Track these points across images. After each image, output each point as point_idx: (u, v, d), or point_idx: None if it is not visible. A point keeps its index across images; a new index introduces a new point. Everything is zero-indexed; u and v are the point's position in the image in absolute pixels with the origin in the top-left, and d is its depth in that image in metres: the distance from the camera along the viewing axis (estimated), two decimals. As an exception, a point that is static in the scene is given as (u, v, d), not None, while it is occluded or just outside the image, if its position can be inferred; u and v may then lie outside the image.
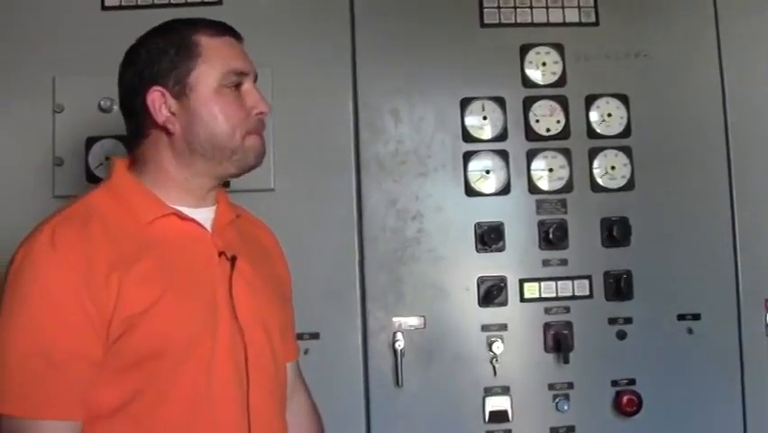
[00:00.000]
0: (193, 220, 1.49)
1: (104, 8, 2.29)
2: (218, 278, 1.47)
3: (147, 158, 1.51)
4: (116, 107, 2.08)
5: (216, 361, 1.42)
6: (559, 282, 2.28)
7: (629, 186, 2.32)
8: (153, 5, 2.29)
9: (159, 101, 1.46)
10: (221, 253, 1.48)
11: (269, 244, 1.72)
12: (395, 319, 2.22)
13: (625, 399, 2.23)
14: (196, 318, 1.42)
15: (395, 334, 2.21)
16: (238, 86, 1.50)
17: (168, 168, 1.49)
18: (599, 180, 2.31)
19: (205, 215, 1.52)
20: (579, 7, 2.38)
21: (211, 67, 1.47)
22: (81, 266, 1.33)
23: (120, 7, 2.29)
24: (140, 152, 1.52)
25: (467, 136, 2.30)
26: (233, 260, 1.49)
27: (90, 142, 2.22)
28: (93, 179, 2.19)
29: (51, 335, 1.31)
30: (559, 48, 2.35)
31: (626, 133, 2.33)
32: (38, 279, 1.33)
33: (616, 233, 2.27)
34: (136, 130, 1.52)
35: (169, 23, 1.53)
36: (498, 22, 2.35)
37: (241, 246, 1.54)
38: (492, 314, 2.26)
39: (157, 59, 1.47)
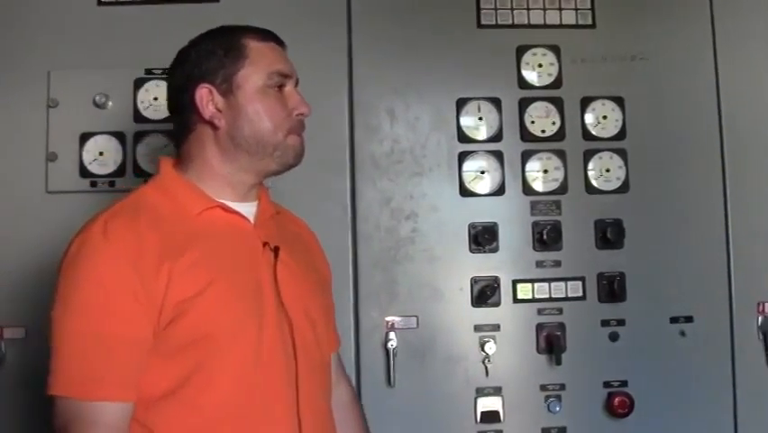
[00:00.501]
0: (237, 212, 1.58)
1: (100, 3, 2.31)
2: (263, 267, 1.56)
3: (192, 154, 1.61)
4: (111, 103, 2.20)
5: (264, 345, 1.50)
6: (552, 284, 2.30)
7: (624, 188, 2.35)
8: (149, 1, 2.31)
9: (206, 97, 1.56)
10: (264, 244, 1.57)
11: (309, 240, 1.82)
12: (388, 319, 2.24)
13: (617, 400, 2.25)
14: (242, 304, 1.50)
15: (387, 333, 2.23)
16: (281, 87, 1.61)
17: (212, 162, 1.59)
18: (594, 182, 2.34)
19: (247, 209, 1.61)
20: (576, 9, 2.41)
21: (257, 68, 1.58)
22: (132, 255, 1.42)
23: (116, 3, 2.31)
24: (185, 149, 1.62)
25: (462, 136, 2.33)
26: (276, 250, 1.58)
27: (84, 137, 2.24)
28: (86, 175, 2.23)
29: (104, 320, 1.40)
30: (555, 49, 2.38)
31: (621, 135, 2.36)
32: (91, 268, 1.42)
33: (609, 235, 2.30)
34: (182, 126, 1.62)
35: (218, 27, 1.64)
36: (494, 23, 2.38)
37: (282, 240, 1.63)
38: (485, 314, 2.28)
39: (206, 59, 1.58)
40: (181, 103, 1.60)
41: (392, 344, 2.23)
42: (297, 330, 1.56)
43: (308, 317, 1.61)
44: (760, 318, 2.35)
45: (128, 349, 1.41)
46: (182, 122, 1.62)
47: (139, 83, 2.26)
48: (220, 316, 1.47)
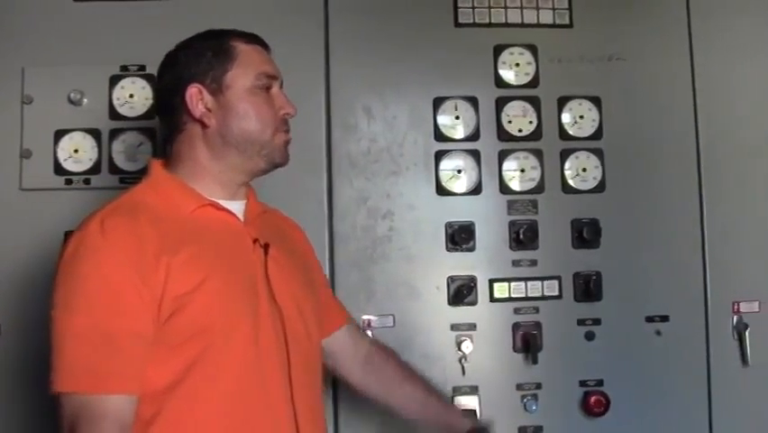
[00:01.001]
0: (228, 210, 1.66)
1: (75, 0, 2.31)
2: (255, 263, 1.63)
3: (183, 153, 1.67)
4: (86, 100, 2.20)
5: (260, 337, 1.56)
6: (528, 283, 2.33)
7: (600, 188, 2.38)
8: None
9: (196, 97, 1.64)
10: (255, 241, 1.64)
11: (297, 237, 1.91)
12: (364, 317, 2.26)
13: (593, 399, 2.29)
14: (239, 297, 1.57)
15: (364, 332, 2.25)
16: (267, 88, 1.69)
17: (202, 161, 1.66)
18: (571, 182, 2.38)
19: (236, 207, 1.69)
20: (553, 9, 2.44)
21: (245, 69, 1.66)
22: (132, 250, 1.47)
23: None
24: (175, 149, 1.69)
25: (439, 135, 2.35)
26: (266, 247, 1.65)
27: (59, 134, 2.24)
28: (61, 172, 2.23)
29: (107, 314, 1.45)
30: (532, 49, 2.41)
31: (597, 135, 2.39)
32: (92, 264, 1.47)
33: (586, 234, 2.33)
34: (172, 126, 1.69)
35: (206, 31, 1.71)
36: (472, 21, 2.41)
37: (271, 236, 1.70)
38: (462, 313, 2.31)
39: (195, 60, 1.65)
40: (171, 104, 1.67)
41: (371, 342, 2.25)
42: (289, 323, 1.63)
43: (299, 311, 1.67)
44: (735, 318, 2.39)
45: (133, 343, 1.46)
46: (172, 122, 1.68)
47: (114, 80, 2.27)
48: (218, 309, 1.53)
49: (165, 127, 1.72)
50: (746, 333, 2.37)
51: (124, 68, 2.27)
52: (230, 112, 1.64)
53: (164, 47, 1.73)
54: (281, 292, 1.64)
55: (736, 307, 2.39)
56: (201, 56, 1.65)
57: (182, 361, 1.50)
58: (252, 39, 1.71)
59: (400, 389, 1.96)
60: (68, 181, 2.24)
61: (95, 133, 2.25)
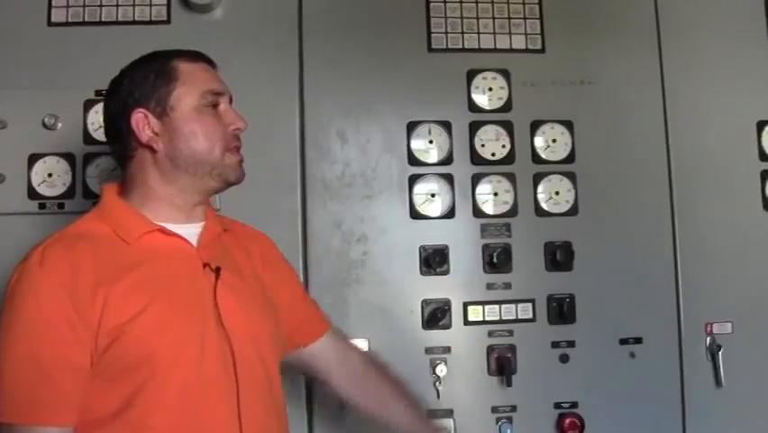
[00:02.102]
0: (177, 235, 1.66)
1: (50, 24, 2.37)
2: (204, 288, 1.63)
3: (134, 179, 1.70)
4: (60, 124, 2.25)
5: (206, 366, 1.57)
6: (503, 306, 2.40)
7: (573, 211, 2.46)
8: (100, 23, 2.38)
9: (142, 122, 1.66)
10: (205, 265, 1.65)
11: (265, 252, 1.91)
12: (338, 341, 2.33)
13: (567, 421, 2.35)
14: (183, 326, 1.57)
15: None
16: (215, 106, 1.70)
17: (153, 185, 1.68)
18: (544, 205, 2.45)
19: (193, 230, 1.70)
20: (525, 34, 2.53)
21: (189, 88, 1.67)
22: (67, 283, 1.50)
23: (66, 24, 2.38)
24: (128, 174, 1.71)
25: (413, 159, 2.42)
26: (217, 271, 1.65)
27: (33, 158, 2.29)
28: (35, 197, 2.27)
29: (42, 345, 1.48)
30: (505, 73, 2.49)
31: (570, 158, 2.48)
32: (29, 295, 1.51)
33: (559, 257, 2.41)
34: (122, 153, 1.71)
35: (148, 54, 1.73)
36: (445, 47, 2.49)
37: (228, 259, 1.71)
38: (436, 337, 2.37)
39: (138, 84, 1.67)
40: (119, 130, 1.69)
41: (343, 366, 2.31)
42: (238, 351, 1.62)
43: (251, 338, 1.66)
44: (708, 339, 2.47)
45: (65, 374, 1.48)
46: (122, 149, 1.71)
47: (89, 105, 2.32)
48: (158, 338, 1.53)
49: (115, 154, 1.75)
50: (719, 354, 2.44)
51: (99, 92, 2.31)
52: (176, 133, 1.66)
53: None
54: (231, 319, 1.63)
55: (708, 328, 2.47)
56: (144, 79, 1.67)
57: (123, 391, 1.51)
58: (196, 57, 1.73)
59: (392, 406, 2.00)
60: (42, 206, 2.29)
61: (69, 158, 2.30)
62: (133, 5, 2.41)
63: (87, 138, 2.33)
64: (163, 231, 1.65)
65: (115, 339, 1.50)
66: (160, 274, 1.60)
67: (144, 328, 1.52)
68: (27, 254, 1.57)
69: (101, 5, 2.40)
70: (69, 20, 2.39)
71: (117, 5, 2.40)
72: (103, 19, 2.40)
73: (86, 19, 2.39)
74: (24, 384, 1.47)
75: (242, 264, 1.78)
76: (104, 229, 1.63)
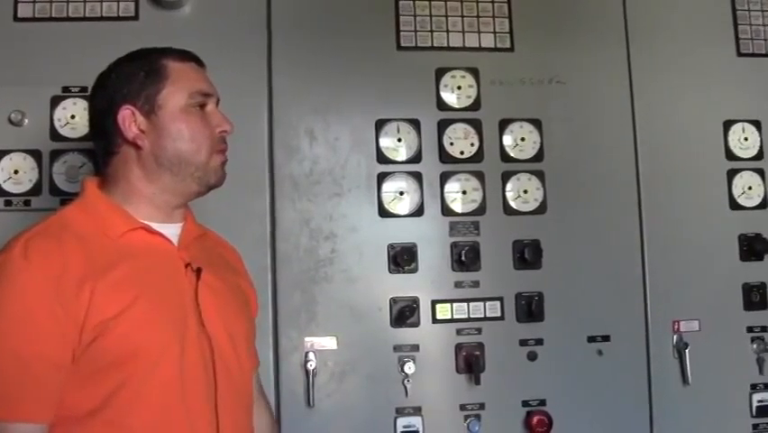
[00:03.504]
0: (160, 234, 1.69)
1: (16, 19, 2.41)
2: (185, 288, 1.66)
3: (117, 175, 1.71)
4: (27, 120, 2.28)
5: (187, 364, 1.59)
6: (471, 304, 2.46)
7: (541, 209, 2.53)
8: (67, 18, 2.42)
9: (129, 119, 1.68)
10: (187, 265, 1.68)
11: (233, 261, 1.94)
12: (307, 339, 2.37)
13: (535, 419, 2.41)
14: (165, 324, 1.60)
15: (307, 354, 2.36)
16: (202, 106, 1.73)
17: (136, 183, 1.70)
18: (512, 203, 2.52)
19: (172, 230, 1.73)
20: (494, 33, 2.60)
21: (178, 88, 1.70)
22: (53, 276, 1.50)
23: (33, 19, 2.41)
24: (110, 171, 1.73)
25: (382, 157, 2.48)
26: (198, 271, 1.69)
27: (-1, 155, 2.30)
28: (1, 193, 2.31)
29: (23, 340, 1.48)
30: (474, 72, 2.56)
31: (538, 157, 2.55)
32: (11, 288, 1.50)
33: (527, 255, 2.47)
34: (106, 148, 1.72)
35: (138, 50, 1.75)
36: (414, 45, 2.55)
37: (206, 261, 1.74)
38: (404, 334, 2.43)
39: (127, 81, 1.69)
40: (104, 126, 1.70)
41: (311, 364, 2.35)
42: (217, 350, 1.66)
43: (230, 338, 1.71)
44: (675, 337, 2.55)
45: (46, 370, 1.49)
46: (106, 145, 1.72)
47: (56, 101, 2.35)
48: (142, 335, 1.55)
49: (99, 149, 1.76)
50: (686, 352, 2.53)
51: (66, 89, 2.36)
52: (163, 133, 1.68)
53: (104, 64, 1.78)
54: (211, 319, 1.66)
55: (676, 326, 2.56)
56: (133, 76, 1.68)
57: (103, 387, 1.52)
58: (186, 56, 1.75)
59: None
60: (8, 203, 2.32)
61: (35, 154, 2.34)
62: (101, 1, 2.45)
63: (54, 134, 2.36)
64: (147, 229, 1.67)
65: (99, 335, 1.51)
66: (144, 272, 1.62)
67: (129, 326, 1.53)
68: (6, 246, 1.56)
69: (68, 1, 2.44)
70: (36, 15, 2.42)
71: (85, 1, 2.44)
72: (70, 14, 2.43)
73: (53, 14, 2.42)
74: (4, 379, 1.47)
75: (220, 267, 1.81)
76: (87, 223, 1.63)
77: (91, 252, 1.58)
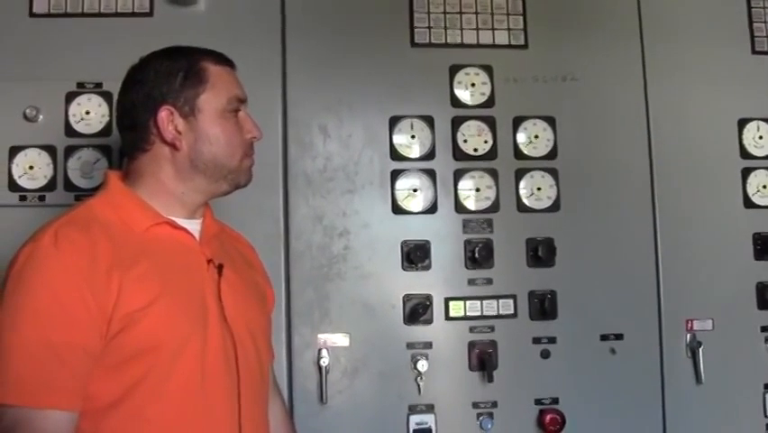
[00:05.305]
0: (184, 229, 1.71)
1: (32, 15, 2.40)
2: (207, 283, 1.68)
3: (144, 171, 1.72)
4: (42, 116, 2.28)
5: (208, 357, 1.61)
6: (484, 301, 2.45)
7: (555, 207, 2.52)
8: (82, 14, 2.42)
9: (167, 119, 1.68)
10: (209, 261, 1.70)
11: (250, 257, 1.96)
12: (320, 336, 2.36)
13: (548, 417, 2.40)
14: (189, 317, 1.61)
15: (320, 351, 2.35)
16: (235, 111, 1.75)
17: (165, 181, 1.71)
18: (525, 201, 2.51)
19: (194, 226, 1.74)
20: (509, 29, 2.58)
21: (217, 92, 1.72)
22: (83, 264, 1.51)
23: (49, 15, 2.41)
24: (137, 165, 1.73)
25: (395, 154, 2.47)
26: (220, 267, 1.71)
27: (14, 150, 2.32)
28: (16, 189, 2.31)
29: (54, 328, 1.48)
30: (488, 69, 2.54)
31: (552, 154, 2.53)
32: (42, 276, 1.50)
33: (541, 253, 2.46)
34: (136, 144, 1.72)
35: (172, 48, 1.76)
36: (428, 42, 2.54)
37: (226, 257, 1.76)
38: (417, 332, 2.42)
39: (165, 80, 1.69)
40: (137, 122, 1.71)
41: (324, 361, 2.35)
42: (240, 345, 1.68)
43: (250, 333, 1.73)
44: (688, 336, 2.53)
45: (78, 358, 1.49)
46: (136, 140, 1.72)
47: (70, 96, 2.35)
48: (167, 328, 1.57)
49: (127, 143, 1.75)
50: (700, 351, 2.51)
51: (81, 84, 2.36)
52: (200, 135, 1.69)
53: (121, 64, 1.79)
54: (233, 315, 1.68)
55: (689, 325, 2.54)
56: (172, 76, 1.69)
57: (126, 379, 1.53)
58: (221, 60, 1.77)
59: None
60: (23, 198, 2.32)
61: (50, 150, 2.34)
62: (116, -3, 2.43)
63: (69, 130, 2.36)
64: (171, 224, 1.69)
65: (126, 326, 1.52)
66: (169, 266, 1.64)
67: (153, 319, 1.55)
68: (36, 235, 1.56)
69: (83, -4, 2.42)
70: (51, 11, 2.42)
71: (100, -4, 2.43)
72: (85, 10, 2.43)
73: (68, 10, 2.42)
74: (34, 367, 1.47)
75: (239, 263, 1.84)
76: (112, 216, 1.64)
77: (117, 244, 1.58)
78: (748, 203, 2.64)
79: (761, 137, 2.66)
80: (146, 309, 1.55)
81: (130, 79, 1.75)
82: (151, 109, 1.69)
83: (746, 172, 2.64)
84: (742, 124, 2.66)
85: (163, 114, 1.68)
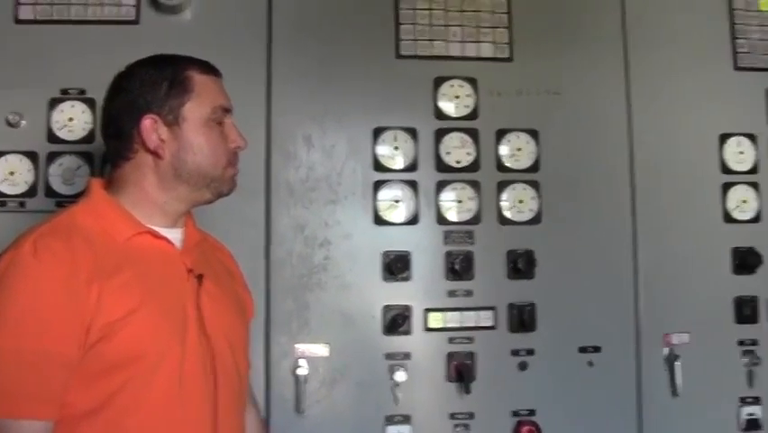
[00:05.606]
0: (165, 239, 1.70)
1: (17, 21, 2.39)
2: (187, 292, 1.68)
3: (127, 180, 1.72)
4: (24, 122, 2.27)
5: (187, 367, 1.61)
6: (464, 313, 2.46)
7: (536, 220, 2.52)
8: (69, 21, 2.41)
9: (151, 128, 1.68)
10: (189, 270, 1.70)
11: (231, 266, 1.97)
12: (298, 346, 2.37)
13: (524, 429, 2.41)
14: (168, 327, 1.61)
15: (298, 360, 2.35)
16: (220, 120, 1.75)
17: (148, 190, 1.71)
18: (507, 213, 2.51)
19: (175, 235, 1.74)
20: (494, 43, 2.59)
21: (202, 101, 1.72)
22: (63, 274, 1.51)
23: (34, 21, 2.40)
24: (120, 174, 1.73)
25: (378, 165, 2.47)
26: (200, 277, 1.71)
27: (-5, 156, 2.30)
28: (-3, 195, 2.30)
29: (32, 337, 1.48)
30: (472, 82, 2.55)
31: (534, 167, 2.54)
32: (21, 285, 1.50)
33: (521, 265, 2.47)
34: (120, 152, 1.72)
35: (159, 56, 1.75)
36: (413, 54, 2.54)
37: (206, 266, 1.76)
38: (396, 342, 2.42)
39: (150, 89, 1.69)
40: (121, 130, 1.70)
41: (302, 370, 2.35)
42: (218, 355, 1.68)
43: (229, 343, 1.73)
44: (666, 349, 2.54)
45: (57, 367, 1.49)
46: (120, 148, 1.72)
47: (54, 103, 2.35)
48: (147, 338, 1.57)
49: (111, 151, 1.75)
50: (677, 364, 2.52)
51: (64, 91, 2.36)
52: (184, 145, 1.69)
53: (106, 72, 1.79)
54: (212, 325, 1.68)
55: (667, 338, 2.55)
56: (157, 85, 1.69)
57: (104, 389, 1.53)
58: (207, 69, 1.76)
59: None
60: (3, 204, 2.31)
61: (32, 156, 2.33)
62: (102, 5, 2.43)
63: (51, 137, 2.35)
64: (153, 234, 1.69)
65: (105, 336, 1.52)
66: (149, 276, 1.63)
67: (133, 329, 1.55)
68: (15, 244, 1.56)
69: (69, 3, 2.42)
70: (37, 17, 2.41)
71: (86, 4, 2.42)
72: (71, 17, 2.42)
73: (54, 17, 2.41)
74: (11, 377, 1.47)
75: (219, 273, 1.84)
76: (94, 224, 1.64)
77: (98, 253, 1.58)
78: (728, 218, 2.65)
79: (741, 152, 2.68)
80: (126, 319, 1.54)
81: (115, 87, 1.75)
82: (135, 118, 1.68)
83: (727, 187, 2.66)
84: (723, 138, 2.68)
85: (147, 122, 1.68)
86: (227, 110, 1.77)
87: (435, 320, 2.45)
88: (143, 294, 1.59)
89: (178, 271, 1.69)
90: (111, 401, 1.53)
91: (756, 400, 2.60)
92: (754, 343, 2.62)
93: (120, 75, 1.75)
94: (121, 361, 1.54)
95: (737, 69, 2.73)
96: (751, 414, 2.59)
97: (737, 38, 2.74)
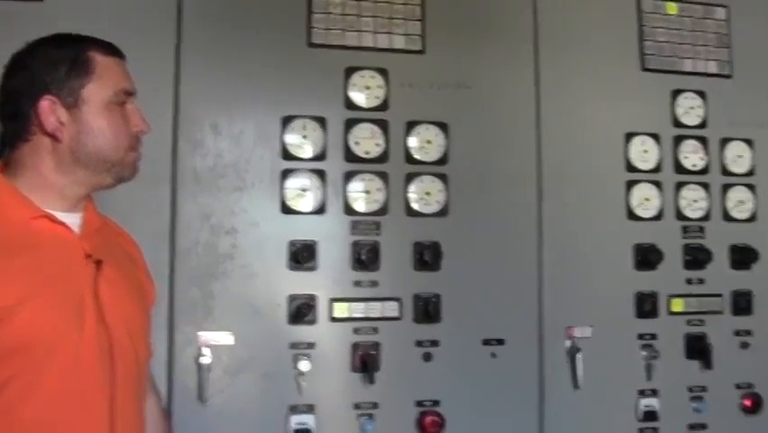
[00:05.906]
0: (63, 223, 1.64)
1: None
2: (85, 279, 1.62)
3: (24, 162, 1.65)
4: None
5: (83, 357, 1.56)
6: (369, 303, 2.47)
7: (443, 212, 2.54)
8: None
9: (49, 109, 1.62)
10: (88, 256, 1.64)
11: (133, 253, 1.91)
12: (201, 334, 2.33)
13: (428, 419, 2.43)
14: (62, 315, 1.56)
15: (201, 349, 2.33)
16: (122, 103, 1.70)
17: (46, 173, 1.65)
18: (414, 205, 2.53)
19: (74, 220, 1.68)
20: (406, 34, 2.60)
21: (104, 84, 1.66)
22: None
23: None
24: (16, 156, 1.67)
25: (286, 154, 2.45)
26: (98, 263, 1.65)
27: None
28: None
29: None
30: (384, 73, 2.55)
31: (443, 160, 2.56)
32: None
33: (427, 257, 2.49)
34: (17, 133, 1.66)
35: (61, 35, 1.70)
36: (325, 42, 2.53)
37: (107, 252, 1.70)
38: (301, 332, 2.41)
39: (50, 69, 1.63)
40: (18, 111, 1.64)
41: (206, 359, 2.32)
42: (117, 344, 1.64)
43: (128, 330, 1.69)
44: (568, 342, 2.60)
45: None
46: (16, 129, 1.65)
47: (-49, 82, 2.28)
48: (39, 325, 1.52)
49: (8, 132, 1.68)
50: (578, 357, 2.58)
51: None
52: (84, 127, 1.64)
53: (9, 48, 1.72)
54: (111, 312, 1.64)
55: (569, 331, 2.60)
56: (57, 65, 1.63)
57: None
58: (110, 50, 1.71)
59: None
60: None
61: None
62: (6, -19, 2.34)
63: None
64: (50, 218, 1.63)
65: None
66: (45, 262, 1.59)
67: (26, 316, 1.50)
68: None
69: (-29, -21, 2.33)
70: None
71: (-11, -20, 2.34)
72: (-29, -5, 2.33)
73: (-46, -8, 2.33)
74: None
75: (120, 259, 1.79)
76: None
77: None
78: (631, 215, 2.72)
79: (646, 151, 2.75)
80: (18, 306, 1.50)
81: (14, 65, 1.68)
82: (33, 99, 1.62)
83: (630, 185, 2.73)
84: (628, 137, 2.74)
85: (45, 103, 1.62)
86: (130, 93, 1.73)
87: (341, 310, 2.45)
88: (38, 281, 1.55)
89: (76, 257, 1.64)
90: (5, 388, 1.49)
91: (654, 393, 2.68)
92: (653, 337, 2.69)
93: (19, 53, 1.68)
94: (13, 347, 1.50)
95: (644, 69, 2.80)
96: (648, 406, 2.67)
97: (645, 40, 2.80)
